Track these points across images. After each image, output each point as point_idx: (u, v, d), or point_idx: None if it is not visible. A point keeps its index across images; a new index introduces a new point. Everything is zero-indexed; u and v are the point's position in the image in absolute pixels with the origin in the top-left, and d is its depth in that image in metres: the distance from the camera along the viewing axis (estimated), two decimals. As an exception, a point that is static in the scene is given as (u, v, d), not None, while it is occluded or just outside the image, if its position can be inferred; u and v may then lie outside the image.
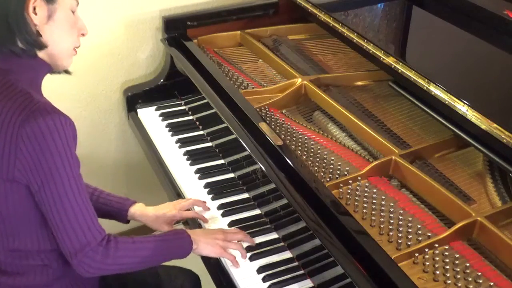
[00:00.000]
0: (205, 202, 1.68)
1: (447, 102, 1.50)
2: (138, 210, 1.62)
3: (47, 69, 1.34)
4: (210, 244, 1.48)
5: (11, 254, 1.34)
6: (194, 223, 1.68)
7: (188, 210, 1.66)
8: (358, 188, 1.50)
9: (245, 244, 1.54)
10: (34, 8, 1.24)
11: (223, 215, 1.66)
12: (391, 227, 1.40)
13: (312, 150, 1.65)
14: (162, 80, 2.20)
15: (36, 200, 1.26)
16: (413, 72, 1.60)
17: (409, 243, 1.36)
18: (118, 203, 1.61)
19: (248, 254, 1.52)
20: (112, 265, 1.31)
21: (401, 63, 1.65)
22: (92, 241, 1.26)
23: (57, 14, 1.28)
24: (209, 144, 1.95)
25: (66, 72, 1.42)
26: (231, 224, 1.63)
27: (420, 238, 1.37)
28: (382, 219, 1.43)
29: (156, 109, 2.13)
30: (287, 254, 1.53)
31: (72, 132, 1.24)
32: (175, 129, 2.02)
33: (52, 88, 2.13)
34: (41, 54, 1.30)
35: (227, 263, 1.51)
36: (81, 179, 1.27)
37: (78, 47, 1.37)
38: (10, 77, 1.26)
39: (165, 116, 2.09)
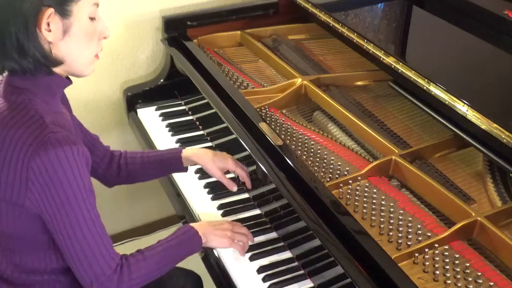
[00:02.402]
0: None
1: (447, 102, 1.50)
2: (191, 150, 1.63)
3: (65, 84, 1.29)
4: (219, 235, 1.46)
5: (17, 268, 1.33)
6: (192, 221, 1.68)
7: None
8: (358, 188, 1.50)
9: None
10: (48, 24, 1.17)
11: (223, 215, 1.66)
12: (391, 227, 1.41)
13: (312, 150, 1.65)
14: (162, 80, 2.20)
15: (49, 229, 1.23)
16: (413, 72, 1.60)
17: (409, 243, 1.36)
18: (169, 154, 1.63)
19: (248, 254, 1.52)
20: (128, 287, 1.30)
21: (401, 63, 1.65)
22: (107, 270, 1.25)
23: (73, 28, 1.20)
24: (209, 144, 1.95)
25: None
26: (231, 224, 1.63)
27: (420, 238, 1.37)
28: (382, 219, 1.43)
29: (156, 109, 2.13)
30: (287, 254, 1.53)
31: (86, 160, 1.21)
32: (175, 129, 2.02)
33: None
34: (58, 69, 1.24)
35: (226, 263, 1.51)
36: (95, 208, 1.24)
37: (100, 51, 1.30)
38: (24, 97, 1.21)
39: (165, 116, 2.09)
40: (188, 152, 1.63)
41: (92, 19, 1.24)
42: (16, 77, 1.22)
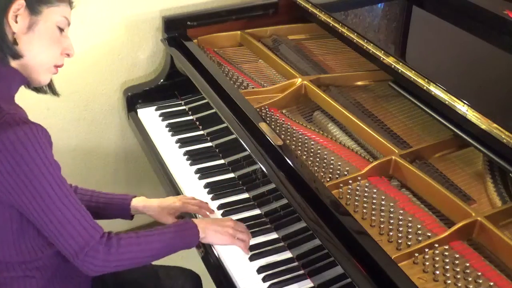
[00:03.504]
0: (207, 204, 1.66)
1: (447, 102, 1.50)
2: (141, 202, 1.60)
3: (21, 80, 1.30)
4: (220, 232, 1.45)
5: None
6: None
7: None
8: (358, 188, 1.50)
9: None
10: (16, 16, 1.21)
11: (223, 215, 1.66)
12: (391, 227, 1.41)
13: (312, 150, 1.65)
14: (162, 80, 2.20)
15: (23, 213, 1.22)
16: (413, 72, 1.60)
17: (409, 243, 1.36)
18: (119, 199, 1.59)
19: (248, 254, 1.52)
20: (116, 262, 1.29)
21: (401, 63, 1.65)
22: (90, 240, 1.24)
23: (39, 27, 1.25)
24: (209, 144, 1.95)
25: (53, 93, 1.39)
26: (231, 224, 1.63)
27: (420, 238, 1.37)
28: (382, 219, 1.43)
29: (156, 109, 2.13)
30: (287, 254, 1.53)
31: (46, 137, 1.21)
32: (175, 129, 2.02)
33: (52, 88, 2.14)
34: (14, 64, 1.26)
35: (226, 262, 1.51)
36: (65, 182, 1.23)
37: (60, 66, 1.33)
38: None
39: (165, 116, 2.09)
40: (138, 202, 1.60)
41: (60, 30, 1.29)
42: None
